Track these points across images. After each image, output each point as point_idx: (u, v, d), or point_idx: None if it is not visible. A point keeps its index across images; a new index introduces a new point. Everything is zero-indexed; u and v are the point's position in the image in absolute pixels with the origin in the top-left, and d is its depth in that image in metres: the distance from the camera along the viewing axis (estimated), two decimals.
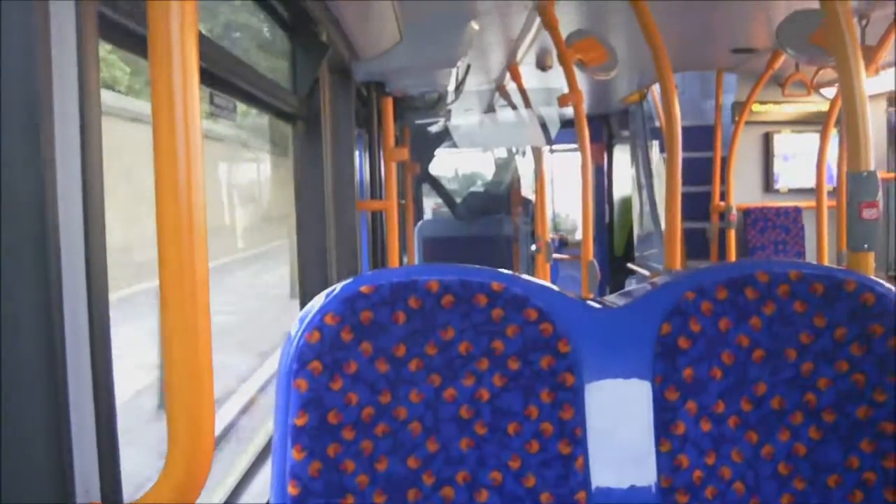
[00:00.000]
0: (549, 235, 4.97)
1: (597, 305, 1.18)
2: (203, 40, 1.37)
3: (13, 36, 0.74)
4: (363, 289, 1.09)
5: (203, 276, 0.80)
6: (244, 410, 2.51)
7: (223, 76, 1.53)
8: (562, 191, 8.50)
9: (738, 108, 5.41)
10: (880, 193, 1.62)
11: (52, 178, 0.77)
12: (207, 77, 1.47)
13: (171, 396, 0.80)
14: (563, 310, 1.13)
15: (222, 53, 1.50)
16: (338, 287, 1.11)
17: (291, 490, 1.07)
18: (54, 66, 0.77)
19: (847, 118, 1.68)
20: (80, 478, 0.81)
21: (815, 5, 2.04)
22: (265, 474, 1.88)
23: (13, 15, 0.74)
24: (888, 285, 1.14)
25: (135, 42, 1.05)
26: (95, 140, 0.85)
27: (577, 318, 1.13)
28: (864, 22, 3.42)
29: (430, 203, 8.17)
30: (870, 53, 3.47)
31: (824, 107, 5.06)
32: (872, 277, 1.16)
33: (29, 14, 0.74)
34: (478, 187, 8.14)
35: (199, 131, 0.79)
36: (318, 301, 1.11)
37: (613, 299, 1.22)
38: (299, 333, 1.09)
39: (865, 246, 1.62)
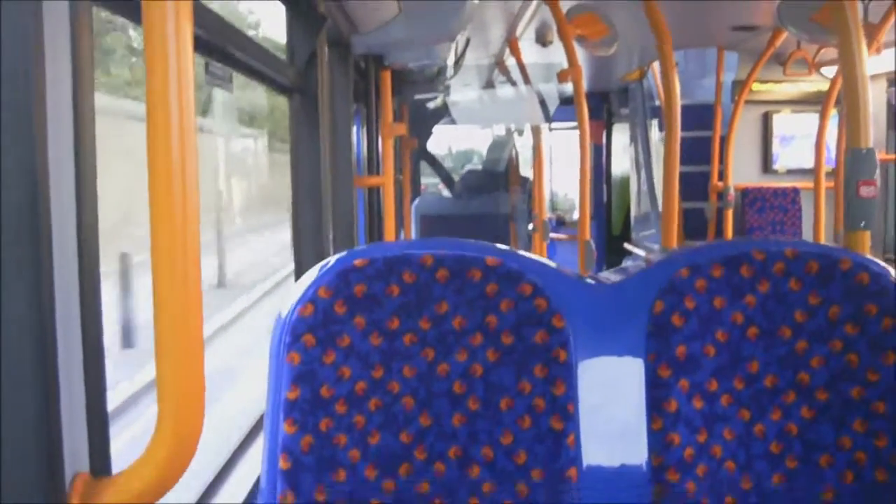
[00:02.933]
0: (547, 214, 4.96)
1: (591, 282, 1.17)
2: (201, 9, 1.36)
3: (2, 16, 0.72)
4: (357, 262, 1.09)
5: (194, 252, 0.79)
6: None
7: (219, 44, 1.51)
8: (560, 169, 8.47)
9: (739, 86, 5.38)
10: (878, 173, 1.61)
11: (44, 168, 0.76)
12: (203, 45, 1.45)
13: (162, 364, 0.79)
14: (557, 285, 1.12)
15: (218, 22, 1.48)
16: (331, 260, 1.10)
17: (283, 464, 1.07)
18: (46, 34, 0.76)
19: (847, 96, 1.66)
20: (68, 448, 0.81)
21: None
22: (257, 448, 1.89)
23: None
24: (883, 265, 1.14)
25: (128, 7, 1.04)
26: (88, 126, 0.84)
27: (572, 294, 1.13)
28: (867, 0, 3.39)
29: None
30: (872, 31, 3.44)
31: (824, 86, 5.03)
32: (868, 257, 1.16)
33: None
34: (475, 165, 8.12)
35: (192, 100, 0.77)
36: (311, 274, 1.10)
37: (607, 276, 1.21)
38: (292, 307, 1.08)
39: (862, 224, 1.61)
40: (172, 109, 0.76)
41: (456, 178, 7.54)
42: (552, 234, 5.36)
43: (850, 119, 1.66)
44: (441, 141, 8.80)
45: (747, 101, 5.34)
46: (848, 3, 1.65)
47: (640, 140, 6.36)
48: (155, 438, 0.81)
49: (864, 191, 1.58)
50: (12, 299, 0.75)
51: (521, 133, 7.29)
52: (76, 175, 0.82)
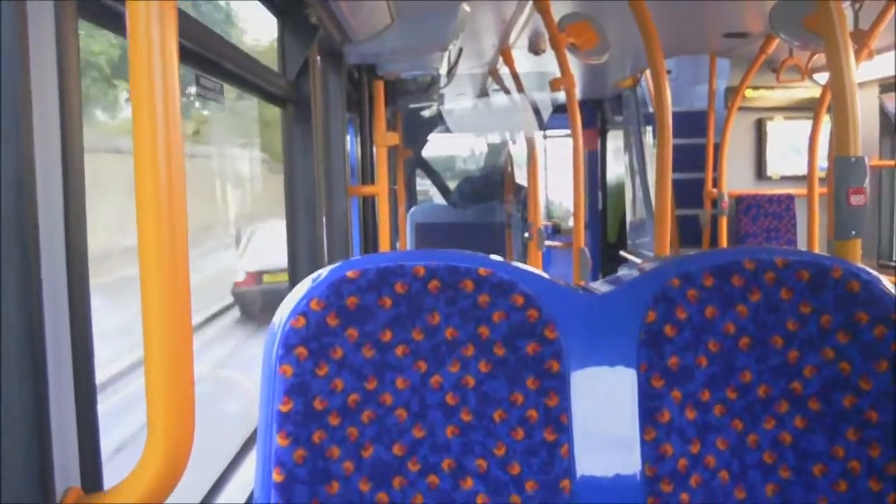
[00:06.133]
0: (542, 222, 4.97)
1: (583, 292, 1.17)
2: (190, 21, 1.35)
3: None
4: (349, 273, 1.09)
5: (183, 268, 0.79)
6: None
7: (209, 57, 1.51)
8: (555, 177, 8.48)
9: (731, 93, 5.39)
10: (867, 180, 1.61)
11: (30, 169, 0.76)
12: (193, 58, 1.45)
13: (151, 380, 0.79)
14: (549, 296, 1.12)
15: (208, 34, 1.48)
16: (324, 272, 1.10)
17: (276, 477, 1.07)
18: (32, 44, 0.76)
19: (836, 104, 1.66)
20: (59, 463, 0.80)
21: None
22: (251, 461, 1.88)
23: None
24: (874, 272, 1.14)
25: (114, 19, 1.04)
26: (76, 126, 0.83)
27: (564, 304, 1.13)
28: (857, 6, 3.40)
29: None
30: (862, 38, 3.46)
31: (817, 92, 5.05)
32: (859, 265, 1.16)
33: None
34: (472, 173, 8.13)
35: (178, 110, 0.77)
36: (303, 286, 1.10)
37: (599, 285, 1.21)
38: (284, 319, 1.08)
39: (853, 233, 1.61)
40: (158, 121, 0.76)
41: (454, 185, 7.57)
42: (547, 242, 5.37)
43: (838, 128, 1.66)
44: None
45: (740, 108, 5.36)
46: (835, 10, 1.66)
47: (635, 147, 6.37)
48: (146, 453, 0.81)
49: (854, 199, 1.58)
50: (0, 315, 0.75)
51: (514, 142, 7.30)
52: (64, 183, 0.82)
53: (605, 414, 1.12)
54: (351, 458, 1.08)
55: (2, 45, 0.73)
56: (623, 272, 1.32)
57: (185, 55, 1.36)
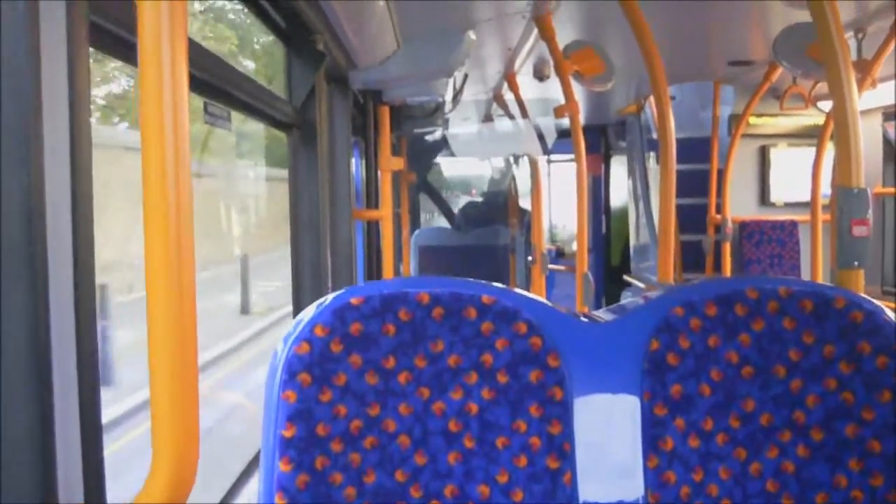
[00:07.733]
0: (546, 246, 4.98)
1: (586, 320, 1.18)
2: (197, 48, 1.37)
3: (2, 44, 0.74)
4: (353, 300, 1.09)
5: (189, 281, 0.80)
6: None
7: (217, 84, 1.52)
8: (559, 202, 8.50)
9: (735, 120, 5.42)
10: (870, 211, 1.61)
11: (39, 184, 0.77)
12: (201, 85, 1.47)
13: (157, 397, 0.79)
14: (552, 324, 1.13)
15: (216, 62, 1.49)
16: (328, 298, 1.11)
17: (279, 502, 1.07)
18: (44, 73, 0.77)
19: (838, 133, 1.67)
20: (63, 479, 0.80)
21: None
22: (253, 486, 1.87)
23: (2, 23, 0.74)
24: (877, 303, 1.14)
25: (125, 49, 1.05)
26: (85, 147, 0.84)
27: (567, 333, 1.13)
28: (860, 35, 3.42)
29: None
30: (866, 67, 3.48)
31: (821, 120, 5.07)
32: (862, 295, 1.16)
33: (19, 21, 0.74)
34: (475, 197, 8.16)
35: (187, 137, 0.78)
36: (308, 312, 1.10)
37: (603, 314, 1.22)
38: (288, 345, 1.08)
39: (856, 264, 1.60)
40: (168, 148, 0.77)
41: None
42: (551, 266, 5.37)
43: (840, 158, 1.67)
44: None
45: (744, 135, 5.38)
46: (837, 40, 1.67)
47: (639, 172, 6.39)
48: (151, 475, 0.81)
49: (857, 230, 1.58)
50: (6, 332, 0.75)
51: (517, 165, 7.34)
52: (72, 194, 0.83)
53: (607, 441, 1.12)
54: (353, 485, 1.08)
55: (15, 65, 0.74)
56: (627, 300, 1.32)
57: (195, 83, 1.38)
